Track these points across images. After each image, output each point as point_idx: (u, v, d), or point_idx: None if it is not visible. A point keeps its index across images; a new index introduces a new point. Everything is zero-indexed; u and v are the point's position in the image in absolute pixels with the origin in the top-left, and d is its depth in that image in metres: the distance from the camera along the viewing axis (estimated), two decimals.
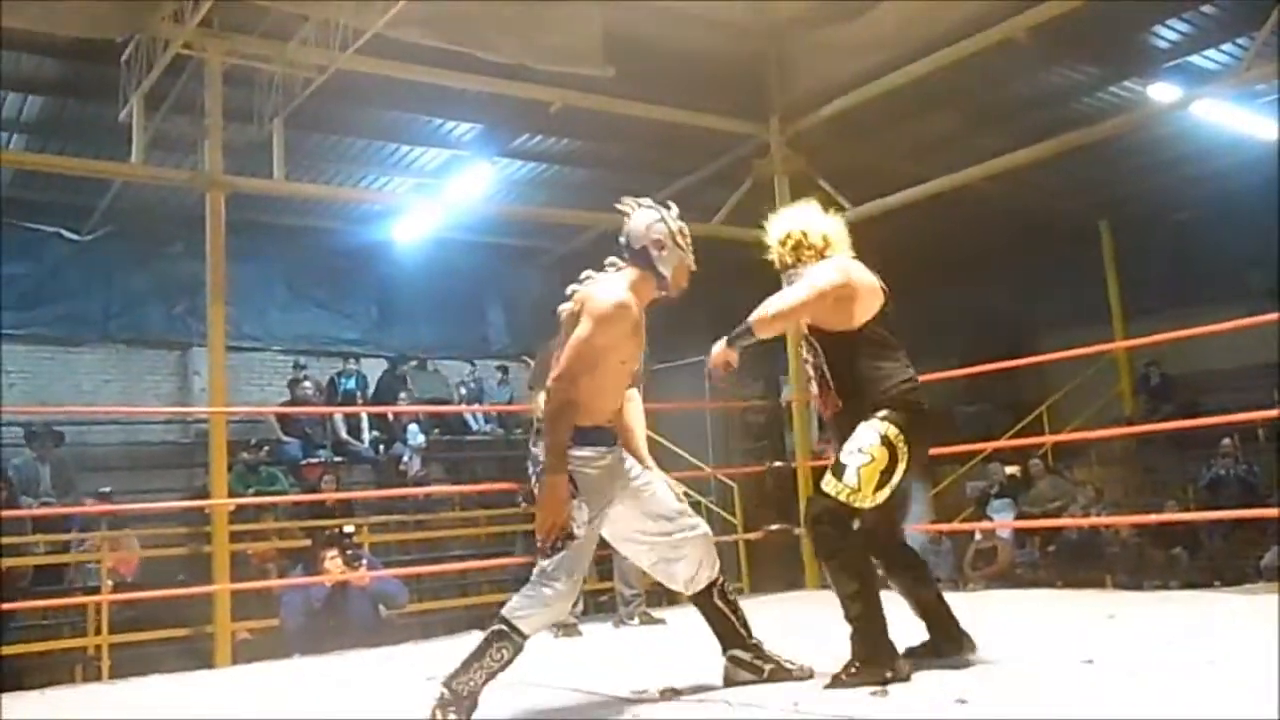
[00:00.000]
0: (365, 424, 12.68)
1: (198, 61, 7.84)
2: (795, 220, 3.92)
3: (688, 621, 5.94)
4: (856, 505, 3.53)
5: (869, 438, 3.56)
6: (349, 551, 6.73)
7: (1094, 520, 10.27)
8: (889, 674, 3.45)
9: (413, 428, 12.57)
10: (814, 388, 3.83)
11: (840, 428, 3.71)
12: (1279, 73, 7.71)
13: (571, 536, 3.45)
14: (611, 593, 6.57)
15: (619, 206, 3.76)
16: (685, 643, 5.20)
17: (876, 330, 3.67)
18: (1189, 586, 9.03)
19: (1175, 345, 11.09)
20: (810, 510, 3.66)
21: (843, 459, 3.57)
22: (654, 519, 3.70)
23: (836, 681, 3.50)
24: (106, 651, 7.90)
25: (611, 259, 3.74)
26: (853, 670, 3.49)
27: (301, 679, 5.13)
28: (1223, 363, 12.78)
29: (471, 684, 3.39)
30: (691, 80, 9.20)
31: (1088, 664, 3.58)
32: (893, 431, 3.56)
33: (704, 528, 3.77)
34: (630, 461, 3.73)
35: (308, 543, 8.60)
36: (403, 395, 12.82)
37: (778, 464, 10.15)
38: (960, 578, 10.89)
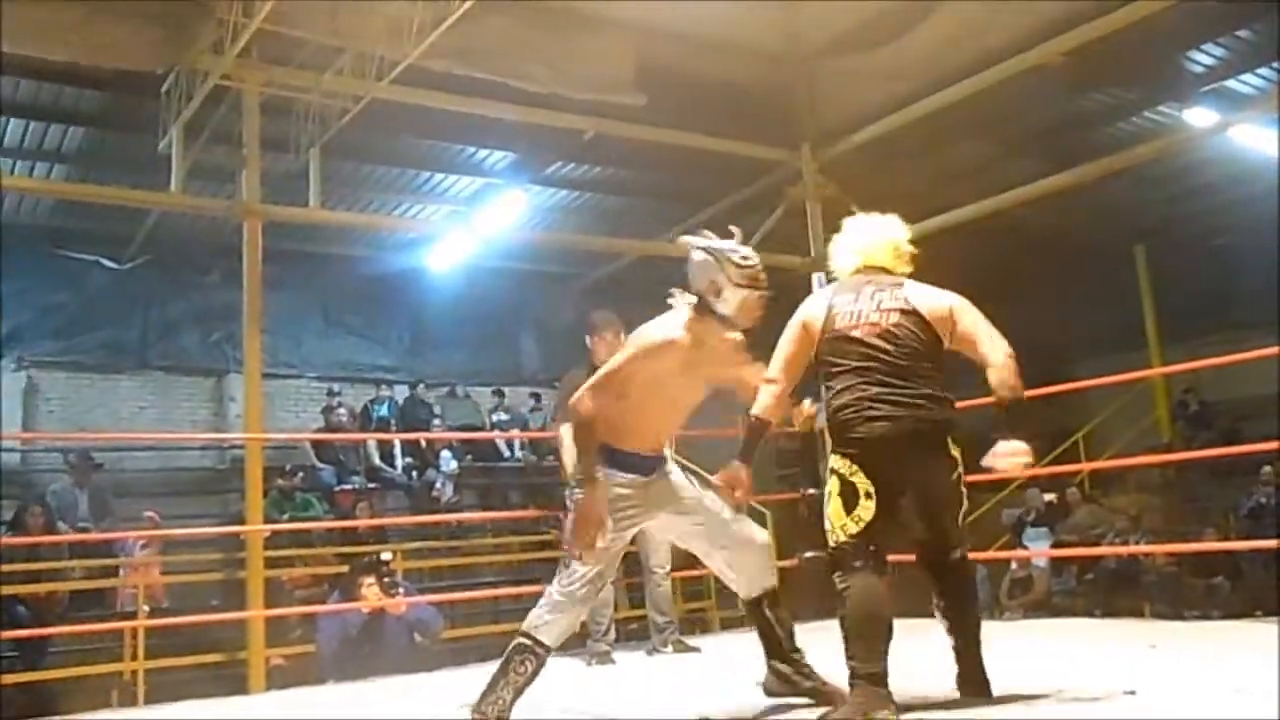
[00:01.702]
0: (399, 450, 12.72)
1: (236, 92, 7.95)
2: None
3: (722, 649, 5.92)
4: (834, 543, 3.50)
5: (826, 474, 3.58)
6: (386, 579, 6.71)
7: (1132, 549, 10.13)
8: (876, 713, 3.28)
9: (445, 454, 12.60)
10: None
11: None
12: None
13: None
14: (644, 620, 6.54)
15: (679, 244, 3.73)
16: (719, 670, 5.17)
17: (824, 359, 3.65)
18: (1230, 616, 8.88)
19: (1213, 371, 10.96)
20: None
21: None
22: (710, 518, 3.71)
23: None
24: (142, 677, 7.95)
25: (672, 291, 3.71)
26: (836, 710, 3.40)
27: (335, 706, 5.13)
28: (1261, 389, 12.60)
29: (500, 703, 3.39)
30: (723, 107, 9.24)
31: (1130, 695, 3.52)
32: (840, 463, 3.52)
33: (764, 536, 3.79)
34: (682, 482, 3.75)
35: (343, 569, 8.62)
36: (436, 422, 12.86)
37: (812, 491, 10.07)
38: (996, 607, 10.76)
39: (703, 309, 3.59)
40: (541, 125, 9.26)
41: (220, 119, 8.48)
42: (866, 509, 3.45)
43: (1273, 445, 8.94)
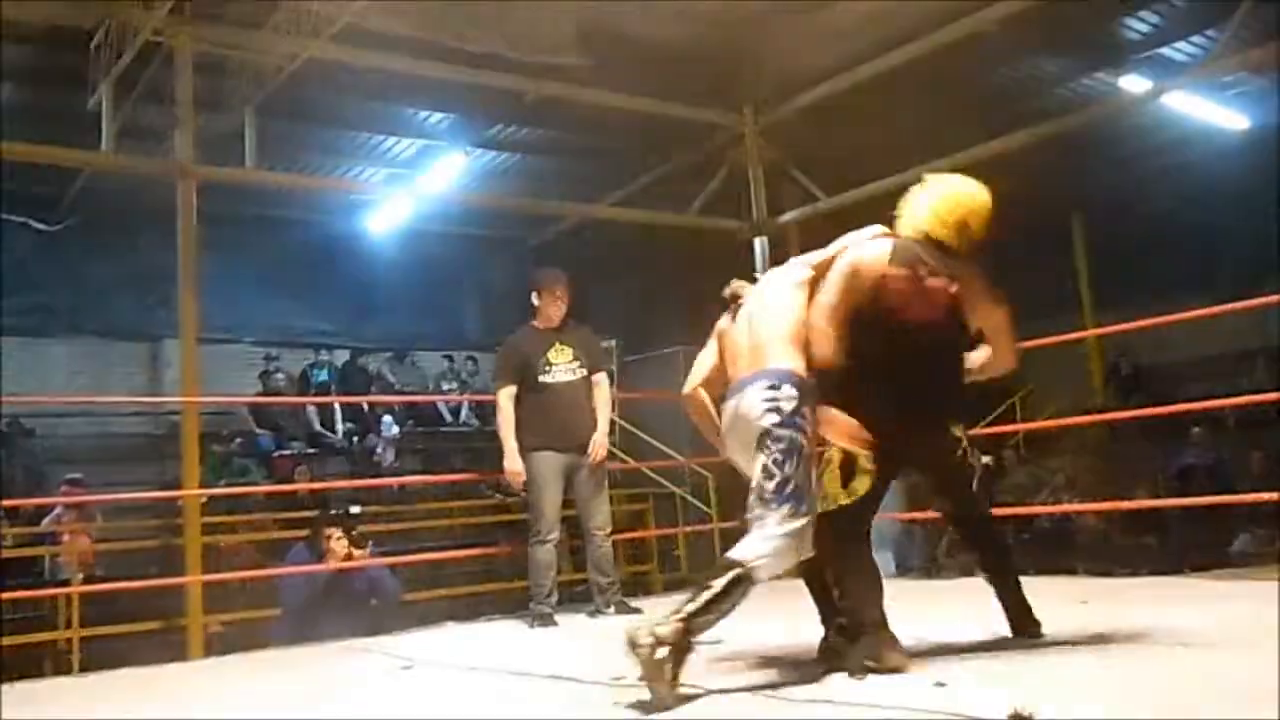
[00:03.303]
0: (339, 416, 12.62)
1: (168, 49, 7.75)
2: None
3: (664, 610, 5.95)
4: (829, 509, 3.62)
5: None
6: (354, 532, 6.54)
7: (1065, 508, 10.34)
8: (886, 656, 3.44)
9: (387, 419, 12.53)
10: None
11: None
12: (1246, 64, 7.79)
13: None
14: (586, 583, 6.56)
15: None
16: None
17: None
18: (1158, 573, 9.09)
19: (1145, 335, 11.18)
20: None
21: None
22: None
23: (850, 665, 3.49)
24: (77, 645, 7.85)
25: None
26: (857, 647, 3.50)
27: (278, 671, 5.10)
28: (1192, 352, 12.90)
29: (708, 625, 3.28)
30: (666, 70, 9.18)
31: (1065, 646, 3.61)
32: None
33: None
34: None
35: (282, 535, 8.55)
36: (373, 388, 12.77)
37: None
38: (933, 566, 10.94)
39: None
40: (482, 86, 9.15)
41: (152, 76, 8.27)
42: (862, 484, 3.62)
43: (1201, 406, 9.16)
